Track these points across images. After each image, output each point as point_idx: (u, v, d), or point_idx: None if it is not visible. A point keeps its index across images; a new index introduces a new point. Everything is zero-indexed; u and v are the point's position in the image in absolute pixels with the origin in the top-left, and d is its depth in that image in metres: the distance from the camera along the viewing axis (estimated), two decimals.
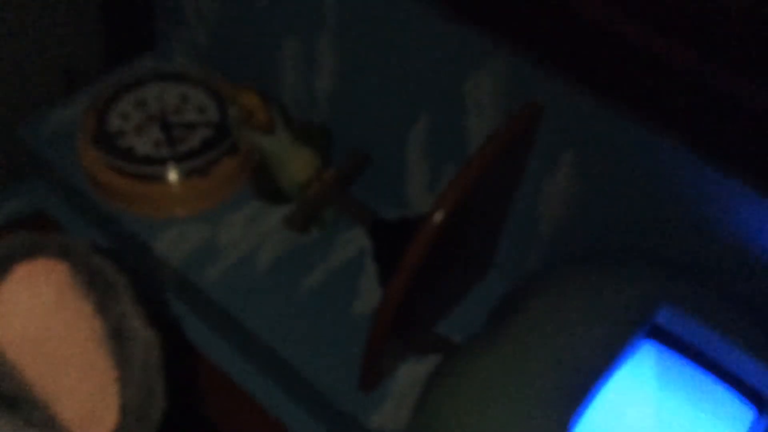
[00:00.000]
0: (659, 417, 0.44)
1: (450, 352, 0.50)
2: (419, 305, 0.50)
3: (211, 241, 0.58)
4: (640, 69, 0.42)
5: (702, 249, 0.46)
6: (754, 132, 0.40)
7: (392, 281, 0.46)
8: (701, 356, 0.44)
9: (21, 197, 0.66)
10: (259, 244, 0.58)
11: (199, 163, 0.59)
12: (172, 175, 0.59)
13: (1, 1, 0.61)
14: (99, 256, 0.36)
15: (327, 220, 0.58)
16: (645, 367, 0.45)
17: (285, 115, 0.58)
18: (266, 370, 0.55)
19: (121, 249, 0.62)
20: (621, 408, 0.43)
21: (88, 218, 0.63)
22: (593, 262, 0.48)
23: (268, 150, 0.56)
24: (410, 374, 0.52)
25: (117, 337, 0.34)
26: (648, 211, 0.48)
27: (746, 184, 0.43)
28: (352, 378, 0.52)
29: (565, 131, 0.49)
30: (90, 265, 0.35)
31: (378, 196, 0.61)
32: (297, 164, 0.56)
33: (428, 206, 0.60)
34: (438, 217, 0.44)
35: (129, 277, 0.37)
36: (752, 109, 0.39)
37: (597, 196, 0.50)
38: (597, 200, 0.50)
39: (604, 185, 0.49)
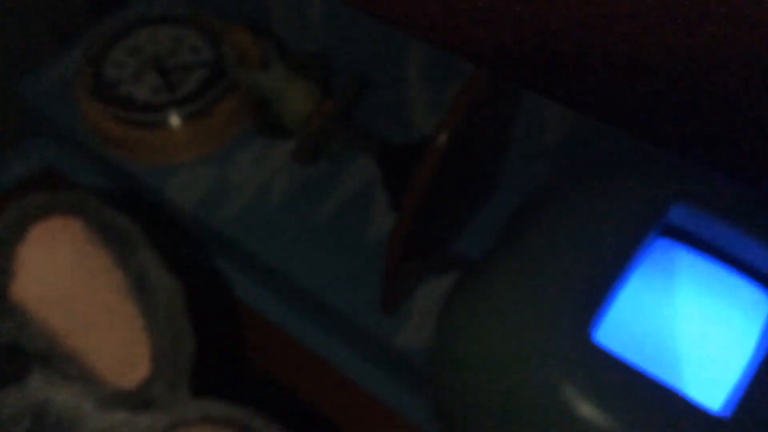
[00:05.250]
0: (679, 313, 0.45)
1: (466, 267, 0.51)
2: (432, 225, 0.51)
3: (221, 182, 0.59)
4: None
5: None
6: None
7: (403, 203, 0.46)
8: (717, 251, 0.44)
9: (30, 155, 0.66)
10: (270, 180, 0.59)
11: (200, 105, 0.59)
12: (174, 120, 0.59)
13: None
14: (112, 209, 0.37)
15: (334, 151, 0.58)
16: (661, 266, 0.45)
17: (279, 48, 0.57)
18: (291, 302, 0.57)
19: (133, 198, 0.62)
20: (640, 309, 0.44)
21: (97, 170, 0.64)
22: (602, 167, 0.48)
23: (265, 86, 0.56)
24: (430, 293, 0.53)
25: (139, 287, 0.35)
26: None
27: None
28: (374, 301, 0.53)
29: None
30: (104, 219, 0.36)
31: (381, 121, 0.60)
32: (296, 97, 0.55)
33: (432, 128, 0.60)
34: (442, 139, 0.44)
35: (144, 226, 0.38)
36: None
37: None
38: None
39: None
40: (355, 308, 0.52)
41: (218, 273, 0.59)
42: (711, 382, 0.41)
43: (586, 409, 0.38)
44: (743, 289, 0.43)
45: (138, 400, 0.32)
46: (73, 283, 0.34)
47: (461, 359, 0.43)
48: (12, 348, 0.33)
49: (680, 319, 0.44)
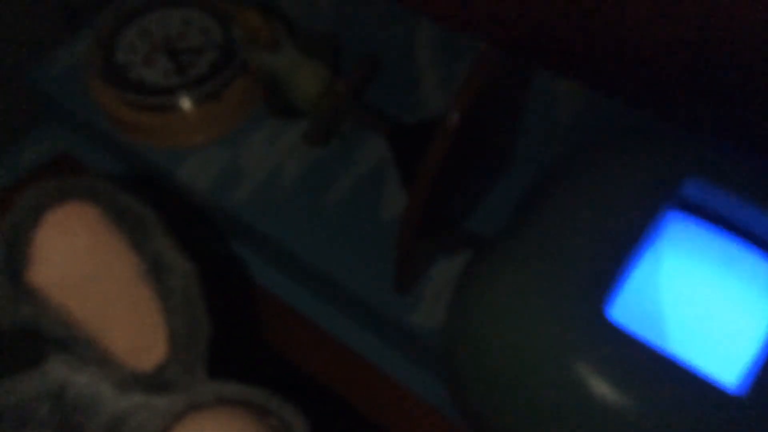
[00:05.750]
0: (694, 289, 0.44)
1: (480, 246, 0.50)
2: (445, 204, 0.51)
3: (233, 164, 0.59)
4: None
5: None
6: None
7: (416, 183, 0.46)
8: (731, 224, 0.44)
9: (43, 141, 0.66)
10: (282, 162, 0.59)
11: (210, 88, 0.59)
12: (186, 103, 0.59)
13: None
14: (126, 194, 0.37)
15: (346, 131, 0.58)
16: (675, 241, 0.45)
17: (289, 28, 0.57)
18: (305, 283, 0.57)
19: (146, 182, 0.62)
20: (654, 284, 0.44)
21: (109, 155, 0.64)
22: (614, 143, 0.48)
23: (275, 67, 0.56)
24: (443, 272, 0.53)
25: (155, 271, 0.35)
26: None
27: None
28: (387, 281, 0.53)
29: None
30: (119, 204, 0.36)
31: (392, 100, 0.60)
32: (307, 78, 0.55)
33: (443, 106, 0.59)
34: (454, 118, 0.44)
35: (158, 211, 0.38)
36: None
37: None
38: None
39: None
40: (369, 288, 0.52)
41: (232, 255, 0.59)
42: (726, 358, 0.41)
43: (601, 386, 0.38)
44: (759, 263, 0.43)
45: (155, 382, 0.33)
46: (89, 267, 0.34)
47: (475, 337, 0.43)
48: (30, 332, 0.33)
49: (695, 295, 0.43)
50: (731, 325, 0.42)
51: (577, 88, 0.51)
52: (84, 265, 0.35)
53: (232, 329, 0.55)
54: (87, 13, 0.69)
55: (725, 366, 0.41)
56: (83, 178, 0.36)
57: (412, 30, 0.58)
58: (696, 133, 0.41)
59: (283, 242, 0.55)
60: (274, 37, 0.55)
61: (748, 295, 0.43)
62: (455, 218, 0.55)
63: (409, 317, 0.51)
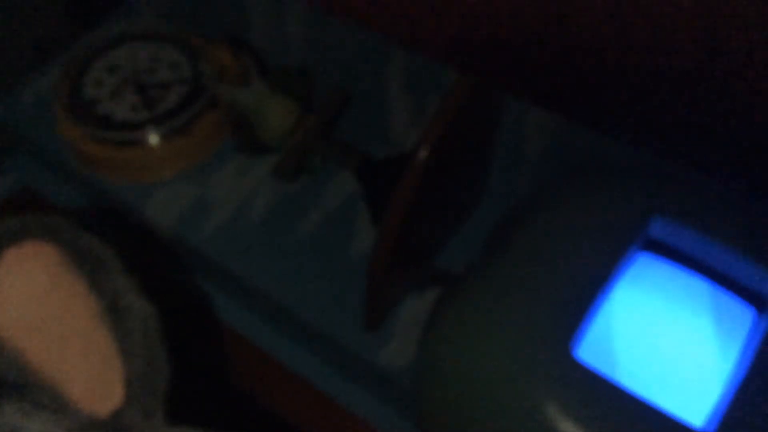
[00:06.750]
0: (661, 328, 0.44)
1: (449, 283, 0.50)
2: (414, 240, 0.50)
3: (201, 199, 0.58)
4: None
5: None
6: None
7: (385, 220, 0.46)
8: (697, 264, 0.44)
9: (7, 175, 0.65)
10: (250, 197, 0.58)
11: (178, 123, 0.58)
12: (153, 138, 0.58)
13: None
14: (86, 233, 0.36)
15: (316, 166, 0.58)
16: (641, 281, 0.45)
17: (260, 64, 0.57)
18: (273, 321, 0.56)
19: (112, 217, 0.62)
20: (622, 324, 0.44)
21: (75, 190, 0.63)
22: (582, 180, 0.48)
23: (245, 103, 0.56)
24: (412, 310, 0.53)
25: (113, 312, 0.34)
26: None
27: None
28: (357, 319, 0.52)
29: None
30: (77, 244, 0.35)
31: (362, 134, 0.60)
32: (276, 114, 0.55)
33: (413, 141, 0.59)
34: (423, 153, 0.44)
35: (121, 249, 0.37)
36: None
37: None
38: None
39: None
40: (338, 327, 0.52)
41: (199, 292, 0.59)
42: (693, 397, 0.41)
43: (568, 426, 0.38)
44: (725, 302, 0.43)
45: (111, 428, 0.32)
46: (46, 308, 0.34)
47: (444, 376, 0.42)
48: None
49: (662, 334, 0.43)
50: (698, 364, 0.42)
51: (547, 121, 0.52)
52: (41, 307, 0.34)
53: (197, 368, 0.54)
54: (55, 47, 0.69)
55: (692, 405, 0.41)
56: (42, 216, 0.36)
57: (383, 64, 0.59)
58: (684, 167, 0.40)
59: (250, 279, 0.54)
60: (244, 73, 0.55)
61: (715, 333, 0.43)
62: (425, 254, 0.54)
63: (378, 355, 0.51)
